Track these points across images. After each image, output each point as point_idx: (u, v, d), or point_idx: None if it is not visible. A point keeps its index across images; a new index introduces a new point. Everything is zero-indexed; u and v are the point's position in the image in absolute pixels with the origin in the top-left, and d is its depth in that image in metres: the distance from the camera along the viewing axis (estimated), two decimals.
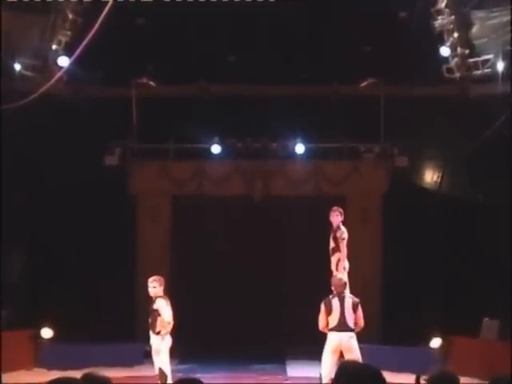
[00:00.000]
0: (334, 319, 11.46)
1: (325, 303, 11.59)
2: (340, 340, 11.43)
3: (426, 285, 17.67)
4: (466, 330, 15.82)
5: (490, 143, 17.25)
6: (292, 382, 15.04)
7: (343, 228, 13.07)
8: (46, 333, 16.47)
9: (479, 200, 18.50)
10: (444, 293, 17.58)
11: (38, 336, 16.37)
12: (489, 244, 17.46)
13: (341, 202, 18.85)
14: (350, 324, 11.39)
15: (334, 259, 13.14)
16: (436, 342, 16.13)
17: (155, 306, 11.49)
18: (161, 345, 11.41)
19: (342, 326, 11.36)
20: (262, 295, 18.90)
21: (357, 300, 11.68)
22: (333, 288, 11.76)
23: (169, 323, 11.40)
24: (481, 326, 15.87)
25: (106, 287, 17.93)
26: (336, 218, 13.12)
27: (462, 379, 5.03)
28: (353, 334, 11.46)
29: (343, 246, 13.00)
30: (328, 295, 11.77)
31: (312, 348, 16.80)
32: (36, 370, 15.53)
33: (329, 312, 11.49)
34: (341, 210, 13.23)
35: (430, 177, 19.38)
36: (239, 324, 18.48)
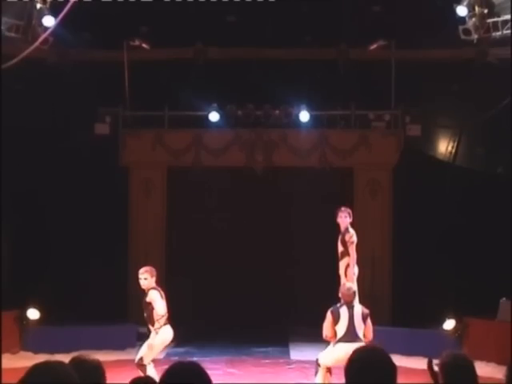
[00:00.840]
0: (341, 329, 11.38)
1: (332, 312, 11.50)
2: (346, 353, 11.38)
3: (439, 263, 17.68)
4: (482, 312, 15.83)
5: (509, 111, 17.19)
6: (295, 365, 15.07)
7: (352, 230, 12.93)
8: (33, 314, 16.47)
9: (498, 172, 18.47)
10: (458, 271, 17.59)
11: (24, 317, 16.37)
12: (508, 220, 17.44)
13: (348, 173, 18.97)
14: (360, 335, 11.34)
15: (342, 264, 13.04)
16: (449, 324, 16.14)
17: (148, 299, 11.38)
18: (154, 339, 11.32)
19: (350, 337, 11.28)
20: (264, 275, 18.92)
21: (367, 311, 11.63)
22: (341, 297, 11.68)
23: (162, 316, 11.32)
24: (497, 307, 15.88)
25: (96, 265, 17.96)
26: (344, 219, 12.96)
27: (478, 363, 5.04)
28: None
29: (352, 250, 12.88)
30: (336, 303, 11.69)
31: (316, 331, 16.92)
32: (22, 353, 15.56)
33: (336, 321, 11.42)
34: (349, 210, 13.05)
35: (445, 147, 19.32)
36: (240, 305, 18.50)
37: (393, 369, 4.11)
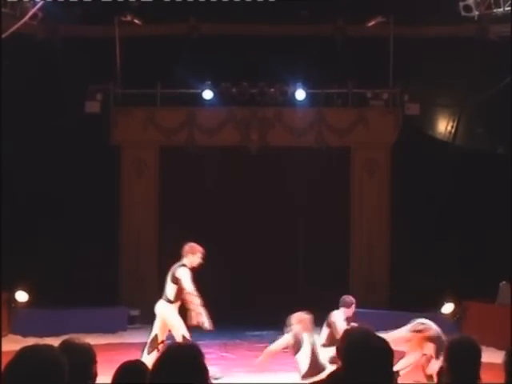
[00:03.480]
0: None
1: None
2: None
3: (437, 244, 17.72)
4: (482, 295, 15.88)
5: (510, 90, 17.18)
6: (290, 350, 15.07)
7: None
8: (21, 296, 16.48)
9: (498, 152, 18.47)
10: (457, 253, 17.63)
11: (13, 300, 16.38)
12: (507, 200, 17.46)
13: (345, 153, 18.96)
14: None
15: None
16: (448, 308, 16.19)
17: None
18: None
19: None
20: (259, 257, 18.93)
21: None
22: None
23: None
24: (497, 291, 15.92)
25: (86, 247, 17.97)
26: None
27: None
28: None
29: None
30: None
31: (312, 315, 16.95)
32: (10, 336, 15.55)
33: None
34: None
35: (444, 126, 19.30)
36: (234, 287, 18.54)
37: (390, 353, 4.13)
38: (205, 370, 4.01)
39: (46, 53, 17.38)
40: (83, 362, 4.80)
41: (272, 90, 18.69)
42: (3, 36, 14.34)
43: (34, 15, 15.76)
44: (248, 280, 18.65)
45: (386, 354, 4.14)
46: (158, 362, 4.02)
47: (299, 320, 12.25)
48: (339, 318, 12.57)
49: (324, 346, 12.07)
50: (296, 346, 11.78)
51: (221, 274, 18.66)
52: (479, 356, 4.85)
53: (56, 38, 17.70)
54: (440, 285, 16.19)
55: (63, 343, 4.90)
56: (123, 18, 18.28)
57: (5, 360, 3.61)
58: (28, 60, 16.97)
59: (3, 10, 16.49)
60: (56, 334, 13.17)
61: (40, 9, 15.90)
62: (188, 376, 3.92)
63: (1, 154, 17.02)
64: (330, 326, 12.49)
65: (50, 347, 3.91)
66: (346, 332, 5.35)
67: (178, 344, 4.19)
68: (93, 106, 18.40)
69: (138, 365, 4.90)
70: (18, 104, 17.25)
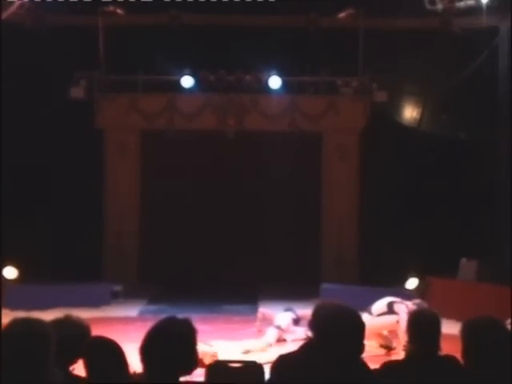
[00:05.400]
0: None
1: None
2: None
3: (404, 224, 17.83)
4: (444, 271, 16.00)
5: (472, 79, 17.28)
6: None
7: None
8: (10, 273, 16.46)
9: (460, 138, 18.57)
10: (422, 233, 17.76)
11: (2, 276, 16.35)
12: (469, 183, 17.63)
13: (317, 138, 19.01)
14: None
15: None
16: (412, 283, 16.32)
17: None
18: None
19: None
20: (235, 235, 19.02)
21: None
22: None
23: None
24: (458, 267, 16.05)
25: (72, 225, 17.95)
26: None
27: None
28: None
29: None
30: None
31: (284, 288, 17.05)
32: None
33: None
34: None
35: (410, 113, 19.38)
36: (211, 264, 18.60)
37: (360, 326, 4.18)
38: (195, 347, 4.03)
39: (33, 41, 17.26)
40: (79, 337, 4.84)
41: (248, 77, 18.69)
42: None
43: (21, 4, 15.62)
44: (224, 257, 18.71)
45: (357, 327, 4.18)
46: (150, 335, 4.03)
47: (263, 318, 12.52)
48: (285, 320, 12.72)
49: (270, 345, 12.15)
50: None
51: (198, 252, 18.74)
52: (439, 327, 4.92)
53: (42, 26, 17.58)
54: (406, 262, 16.30)
55: (61, 318, 4.95)
56: (106, 9, 18.18)
57: None
58: (15, 48, 16.85)
59: None
60: (43, 308, 13.22)
61: None
62: (179, 349, 3.95)
63: None
64: (277, 328, 12.59)
65: (39, 320, 3.95)
66: (318, 306, 5.39)
67: (171, 318, 4.19)
68: (77, 92, 18.31)
69: (105, 340, 4.88)
70: (6, 90, 17.15)
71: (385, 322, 11.43)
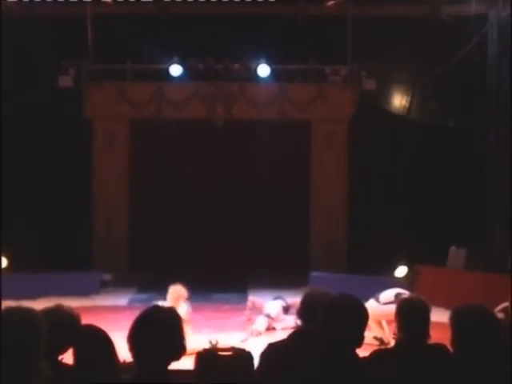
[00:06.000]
0: None
1: None
2: None
3: (393, 212, 17.85)
4: (433, 259, 16.04)
5: (461, 67, 17.28)
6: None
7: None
8: (1, 262, 16.46)
9: (449, 126, 18.59)
10: (411, 220, 17.79)
11: None
12: (457, 171, 17.65)
13: (306, 126, 19.00)
14: None
15: None
16: (402, 271, 16.34)
17: None
18: None
19: None
20: (224, 224, 19.02)
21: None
22: None
23: None
24: (447, 255, 16.08)
25: (61, 215, 17.91)
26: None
27: None
28: None
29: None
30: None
31: (274, 277, 17.07)
32: None
33: None
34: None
35: (399, 101, 19.39)
36: (201, 252, 18.59)
37: (363, 316, 4.16)
38: (181, 334, 4.04)
39: (22, 30, 17.18)
40: (68, 326, 4.83)
41: (236, 65, 18.65)
42: None
43: None
44: (214, 245, 18.71)
45: (358, 318, 4.17)
46: (137, 323, 4.03)
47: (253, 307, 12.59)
48: (274, 309, 12.76)
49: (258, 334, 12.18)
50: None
51: (188, 241, 18.74)
52: (428, 315, 4.92)
53: (32, 16, 17.49)
54: (395, 250, 16.32)
55: (51, 308, 4.94)
56: None
57: None
58: (4, 37, 16.78)
59: None
60: (33, 297, 13.22)
61: None
62: (166, 336, 3.95)
63: None
64: (266, 316, 12.63)
65: (30, 310, 3.95)
66: (305, 293, 5.39)
67: (156, 306, 4.20)
68: (66, 81, 18.25)
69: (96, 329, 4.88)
70: None
71: (387, 311, 11.48)
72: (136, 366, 3.96)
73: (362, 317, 4.13)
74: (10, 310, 3.89)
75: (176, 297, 11.38)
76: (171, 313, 4.08)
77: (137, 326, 3.99)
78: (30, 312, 3.91)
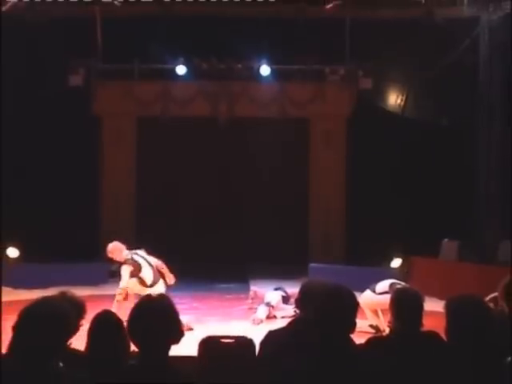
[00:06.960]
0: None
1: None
2: None
3: (389, 207, 17.86)
4: (427, 251, 16.04)
5: (454, 67, 17.27)
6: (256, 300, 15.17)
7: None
8: (12, 252, 16.48)
9: (442, 124, 18.58)
10: (407, 215, 17.79)
11: (4, 255, 16.33)
12: (451, 167, 17.65)
13: (305, 124, 19.00)
14: None
15: None
16: (396, 263, 16.35)
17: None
18: None
19: None
20: (227, 216, 19.04)
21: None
22: None
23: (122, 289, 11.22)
24: (440, 247, 16.09)
25: (71, 209, 17.93)
26: None
27: None
28: None
29: None
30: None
31: (273, 268, 17.07)
32: (2, 288, 15.46)
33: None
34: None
35: (394, 100, 19.38)
36: (203, 243, 18.60)
37: (354, 304, 4.19)
38: (177, 318, 4.06)
39: (33, 32, 17.16)
40: (73, 312, 4.81)
41: (239, 65, 18.66)
42: None
43: None
44: (216, 237, 18.72)
45: (349, 306, 4.19)
46: (134, 312, 4.05)
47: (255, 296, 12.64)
48: (274, 298, 12.77)
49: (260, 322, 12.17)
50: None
51: (192, 232, 18.76)
52: (422, 304, 4.93)
53: (42, 16, 17.46)
54: (390, 242, 16.33)
55: (56, 295, 4.92)
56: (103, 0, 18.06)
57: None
58: (16, 39, 16.76)
59: None
60: (44, 287, 13.22)
61: None
62: (161, 323, 3.97)
63: None
64: (267, 305, 12.63)
65: (62, 303, 3.99)
66: (303, 284, 5.41)
67: (148, 296, 4.22)
68: (76, 80, 18.25)
69: (110, 315, 4.85)
70: (6, 79, 17.07)
71: (383, 300, 11.47)
72: (140, 354, 3.99)
73: (353, 305, 4.21)
74: (42, 301, 3.91)
75: (118, 249, 11.44)
76: (163, 299, 4.12)
77: (133, 318, 4.04)
78: (61, 306, 3.94)
